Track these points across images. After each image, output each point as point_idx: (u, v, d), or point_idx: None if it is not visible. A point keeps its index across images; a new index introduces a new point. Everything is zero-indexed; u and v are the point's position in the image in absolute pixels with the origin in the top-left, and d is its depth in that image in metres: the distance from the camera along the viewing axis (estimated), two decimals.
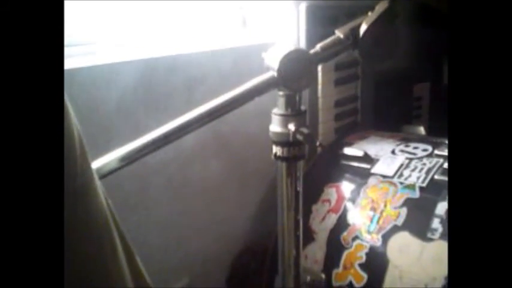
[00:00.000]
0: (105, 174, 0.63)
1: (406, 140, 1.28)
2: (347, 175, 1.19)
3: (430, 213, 1.01)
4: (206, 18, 1.21)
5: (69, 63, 0.84)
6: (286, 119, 0.66)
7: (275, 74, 0.63)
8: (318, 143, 0.65)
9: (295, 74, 0.63)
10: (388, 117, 1.50)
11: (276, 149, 0.68)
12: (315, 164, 1.22)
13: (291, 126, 0.64)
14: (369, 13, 0.67)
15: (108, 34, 1.01)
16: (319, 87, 1.27)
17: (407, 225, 1.02)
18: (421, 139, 1.31)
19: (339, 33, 0.66)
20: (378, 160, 1.18)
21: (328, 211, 1.14)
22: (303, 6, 1.24)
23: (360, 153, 1.19)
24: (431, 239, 0.98)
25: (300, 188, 0.73)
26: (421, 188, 1.07)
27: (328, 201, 1.15)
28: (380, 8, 0.67)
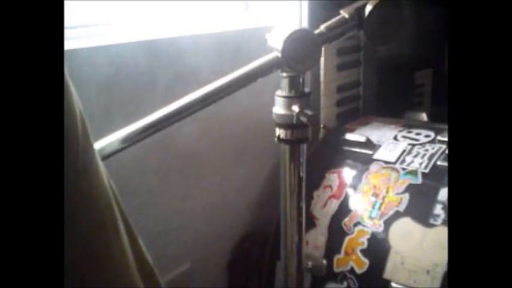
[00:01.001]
0: (106, 156, 0.62)
1: (409, 126, 1.27)
2: (349, 161, 1.18)
3: (432, 199, 1.01)
4: (208, 2, 1.19)
5: (71, 44, 0.83)
6: (289, 100, 0.65)
7: (279, 54, 0.62)
8: (322, 125, 0.64)
9: (299, 54, 0.61)
10: (390, 103, 1.49)
11: (280, 132, 0.67)
12: (316, 150, 1.21)
13: (295, 108, 0.63)
14: None
15: (109, 16, 0.99)
16: (321, 72, 1.26)
17: (409, 211, 1.02)
18: (423, 125, 1.30)
19: (344, 13, 0.65)
20: (380, 146, 1.18)
21: (330, 197, 1.13)
22: None
23: (362, 139, 1.18)
24: (433, 225, 0.98)
25: (303, 173, 0.72)
26: (423, 174, 1.06)
27: (330, 187, 1.15)
28: None
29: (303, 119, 0.63)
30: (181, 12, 1.14)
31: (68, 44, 0.83)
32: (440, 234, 0.96)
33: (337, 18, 0.65)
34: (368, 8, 0.64)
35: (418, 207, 1.02)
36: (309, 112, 0.62)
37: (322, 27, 0.65)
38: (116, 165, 0.61)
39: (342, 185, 1.14)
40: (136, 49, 0.93)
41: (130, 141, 0.64)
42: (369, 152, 1.17)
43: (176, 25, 1.11)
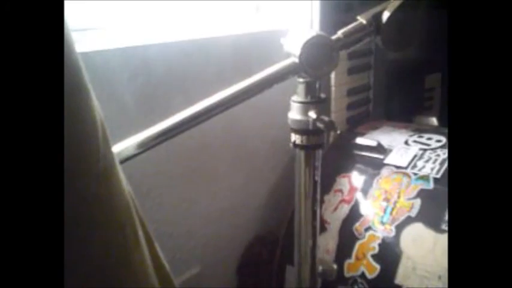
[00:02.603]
0: (122, 161, 0.62)
1: (420, 130, 1.27)
2: (359, 165, 1.18)
3: (444, 205, 1.00)
4: (219, 3, 1.19)
5: (88, 46, 0.83)
6: (306, 106, 0.65)
7: (296, 60, 0.61)
8: (338, 131, 0.63)
9: (316, 60, 0.61)
10: (400, 107, 1.49)
11: (295, 137, 0.67)
12: (327, 154, 1.21)
13: (312, 114, 0.63)
14: None
15: (122, 18, 1.00)
16: (332, 76, 1.26)
17: (421, 217, 1.02)
18: (434, 130, 1.29)
19: (362, 19, 0.64)
20: (391, 151, 1.17)
21: (341, 201, 1.13)
22: None
23: (373, 143, 1.18)
24: (445, 231, 0.97)
25: (317, 178, 0.72)
26: (435, 179, 1.06)
27: (341, 191, 1.14)
28: None
29: (320, 125, 0.63)
30: (192, 14, 1.14)
31: (84, 47, 0.83)
32: None
33: (354, 24, 0.65)
34: (386, 14, 0.63)
35: (430, 212, 1.02)
36: (326, 118, 0.62)
37: (340, 33, 0.65)
38: (128, 170, 0.61)
39: (352, 190, 1.13)
40: (149, 52, 0.93)
41: (146, 146, 0.64)
42: (380, 156, 1.16)
43: (187, 28, 1.11)
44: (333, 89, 1.28)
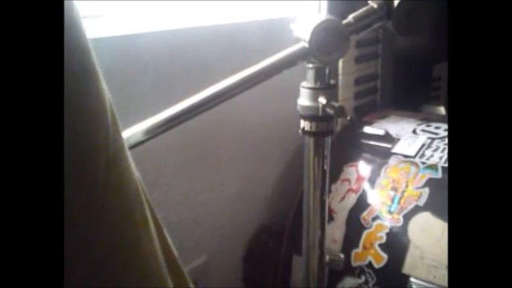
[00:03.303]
0: (130, 147, 0.61)
1: (427, 119, 1.26)
2: (367, 154, 1.17)
3: None
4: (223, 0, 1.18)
5: (97, 32, 0.82)
6: (315, 92, 0.64)
7: (306, 45, 0.60)
8: (348, 118, 0.63)
9: (327, 45, 0.60)
10: (408, 96, 1.48)
11: (305, 124, 0.66)
12: (334, 143, 1.19)
13: (322, 100, 0.62)
14: None
15: (127, 6, 0.99)
16: (340, 64, 1.25)
17: (429, 206, 1.01)
18: (442, 119, 1.28)
19: (373, 3, 0.63)
20: (398, 140, 1.16)
21: (348, 190, 1.12)
22: None
23: (381, 132, 1.17)
24: None
25: (326, 167, 0.71)
26: (443, 168, 1.05)
27: (348, 180, 1.14)
28: None
29: (330, 111, 0.62)
30: (198, 7, 1.13)
31: (97, 33, 0.82)
32: None
33: (365, 8, 0.64)
34: None
35: (438, 201, 1.01)
36: (336, 104, 0.61)
37: (350, 17, 0.63)
38: (135, 158, 0.60)
39: (360, 179, 1.12)
40: (157, 40, 0.93)
41: (153, 133, 0.64)
42: (388, 145, 1.15)
43: (192, 16, 1.10)
44: (340, 77, 1.27)
